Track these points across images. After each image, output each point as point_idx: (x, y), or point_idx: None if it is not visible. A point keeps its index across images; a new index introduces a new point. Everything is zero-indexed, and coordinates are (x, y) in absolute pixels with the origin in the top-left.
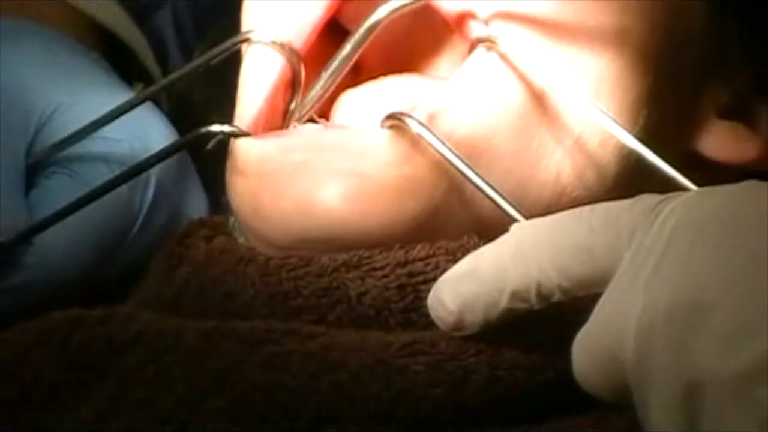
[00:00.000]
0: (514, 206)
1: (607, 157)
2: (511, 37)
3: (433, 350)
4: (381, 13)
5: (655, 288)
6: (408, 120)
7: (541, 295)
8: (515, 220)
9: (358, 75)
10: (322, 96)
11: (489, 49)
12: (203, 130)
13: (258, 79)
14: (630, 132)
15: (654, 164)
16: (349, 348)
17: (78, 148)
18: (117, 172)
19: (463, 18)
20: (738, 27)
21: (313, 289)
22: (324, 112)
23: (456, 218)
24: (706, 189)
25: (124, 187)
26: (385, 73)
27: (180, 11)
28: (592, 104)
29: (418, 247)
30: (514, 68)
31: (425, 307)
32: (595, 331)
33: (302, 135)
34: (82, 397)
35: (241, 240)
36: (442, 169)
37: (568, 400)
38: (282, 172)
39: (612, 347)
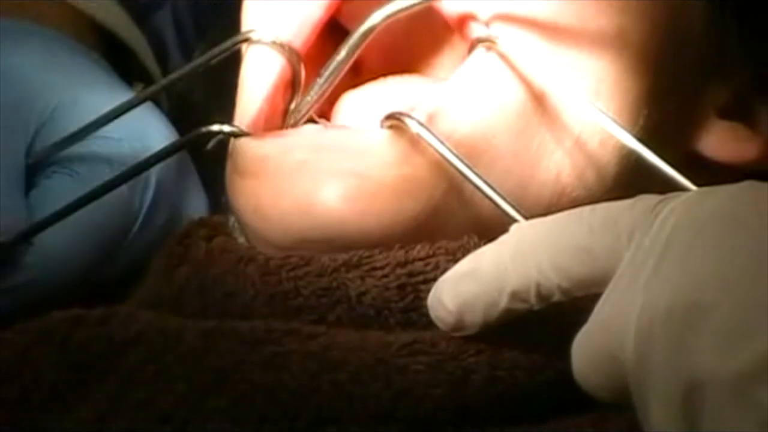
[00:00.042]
0: (513, 206)
1: (607, 157)
2: (511, 37)
3: (433, 350)
4: (376, 18)
5: (655, 288)
6: (407, 120)
7: (541, 296)
8: (515, 220)
9: (358, 75)
10: (320, 97)
11: (489, 49)
12: (203, 130)
13: (258, 79)
14: (630, 132)
15: (654, 164)
16: (349, 348)
17: (78, 148)
18: (117, 172)
19: (464, 19)
20: (738, 27)
21: (313, 289)
22: (324, 112)
23: (456, 218)
24: (705, 189)
25: (124, 187)
26: (385, 74)
27: (180, 11)
28: (592, 104)
29: (418, 247)
30: (513, 68)
31: (425, 307)
32: (595, 331)
33: (302, 135)
34: (82, 397)
35: (241, 240)
36: (442, 169)
37: (568, 400)
38: (282, 172)
39: (612, 347)
